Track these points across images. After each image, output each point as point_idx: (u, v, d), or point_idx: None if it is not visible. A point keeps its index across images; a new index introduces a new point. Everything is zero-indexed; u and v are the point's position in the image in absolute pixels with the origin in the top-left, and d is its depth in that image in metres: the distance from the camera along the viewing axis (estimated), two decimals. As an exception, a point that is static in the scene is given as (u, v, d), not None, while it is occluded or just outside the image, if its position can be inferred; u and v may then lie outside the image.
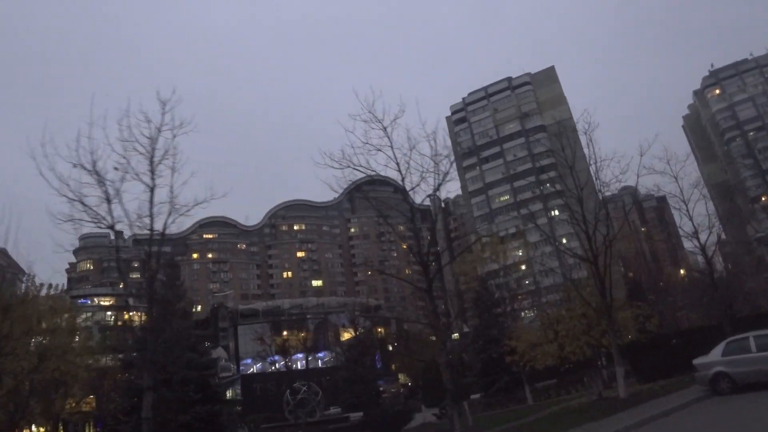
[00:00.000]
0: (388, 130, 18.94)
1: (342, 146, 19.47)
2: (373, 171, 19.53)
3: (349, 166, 18.85)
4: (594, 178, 23.88)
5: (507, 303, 54.42)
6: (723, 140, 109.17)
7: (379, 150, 19.12)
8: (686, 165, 29.07)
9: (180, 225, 15.87)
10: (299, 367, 78.78)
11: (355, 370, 47.42)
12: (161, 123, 14.25)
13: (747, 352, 16.36)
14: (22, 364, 22.51)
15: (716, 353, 17.17)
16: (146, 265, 15.47)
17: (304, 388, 37.66)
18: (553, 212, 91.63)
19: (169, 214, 14.21)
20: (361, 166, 19.18)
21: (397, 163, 19.38)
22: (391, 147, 19.10)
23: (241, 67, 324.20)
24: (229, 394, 75.85)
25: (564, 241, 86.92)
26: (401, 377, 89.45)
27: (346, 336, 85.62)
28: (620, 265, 54.04)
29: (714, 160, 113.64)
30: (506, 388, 35.40)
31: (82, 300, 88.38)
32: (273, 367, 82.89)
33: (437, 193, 20.55)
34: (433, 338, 79.95)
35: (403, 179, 19.52)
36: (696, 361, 17.63)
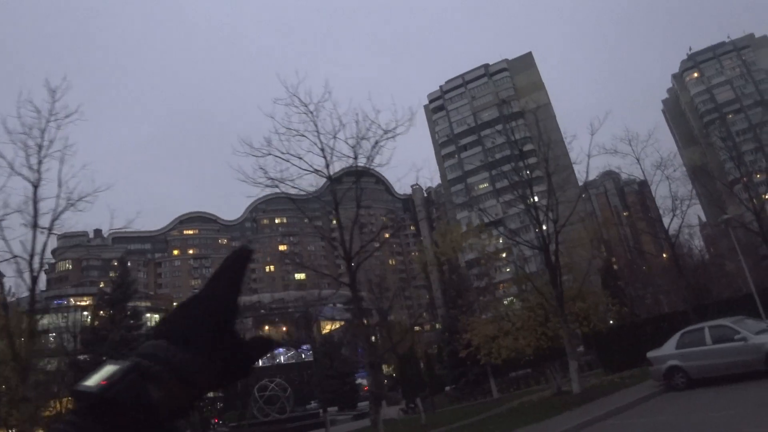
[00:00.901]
0: (314, 114, 17.87)
1: (267, 134, 18.32)
2: (298, 157, 18.49)
3: (270, 154, 17.89)
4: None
5: (484, 293, 53.73)
6: (702, 123, 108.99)
7: (303, 135, 18.08)
8: (650, 145, 28.19)
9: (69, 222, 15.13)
10: (282, 361, 78.21)
11: (330, 365, 46.72)
12: (50, 112, 13.36)
13: (701, 345, 15.41)
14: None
15: (670, 346, 16.27)
16: (30, 264, 14.64)
17: (272, 385, 36.91)
18: (533, 198, 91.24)
19: (64, 208, 13.31)
20: (289, 153, 18.11)
21: (322, 149, 18.40)
22: (317, 132, 18.15)
23: (221, 57, 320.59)
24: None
25: (544, 227, 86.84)
26: (385, 369, 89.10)
27: (327, 329, 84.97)
28: (598, 251, 53.58)
29: (694, 144, 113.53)
30: (476, 380, 34.83)
31: (58, 301, 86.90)
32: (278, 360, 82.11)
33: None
34: (417, 329, 79.36)
35: (327, 166, 18.55)
36: (650, 354, 16.80)
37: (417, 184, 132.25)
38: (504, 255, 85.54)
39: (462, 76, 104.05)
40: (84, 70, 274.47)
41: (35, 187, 13.21)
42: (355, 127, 18.21)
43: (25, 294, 15.62)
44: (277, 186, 17.34)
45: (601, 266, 43.23)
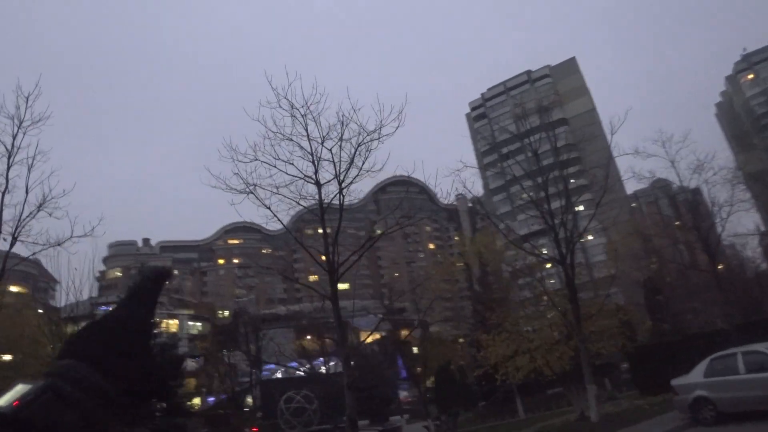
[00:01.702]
0: (307, 118, 16.94)
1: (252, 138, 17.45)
2: (289, 163, 17.58)
3: (256, 159, 17.10)
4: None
5: (525, 305, 52.00)
6: (758, 126, 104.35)
7: (290, 139, 17.14)
8: (686, 147, 26.27)
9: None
10: (323, 371, 77.79)
11: (358, 376, 45.75)
12: (22, 118, 13.05)
13: (734, 373, 13.45)
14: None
15: (697, 373, 14.40)
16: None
17: (299, 397, 36.27)
18: (578, 207, 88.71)
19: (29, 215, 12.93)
20: (279, 159, 17.20)
21: (311, 153, 17.48)
22: (308, 137, 17.31)
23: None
24: (249, 400, 75.23)
25: (590, 237, 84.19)
26: (428, 382, 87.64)
27: (368, 340, 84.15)
28: (645, 262, 51.09)
29: (750, 149, 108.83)
30: (505, 398, 33.41)
31: (103, 307, 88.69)
32: (298, 372, 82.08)
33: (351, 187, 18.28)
34: (459, 340, 77.76)
35: (316, 171, 17.62)
36: (674, 382, 14.93)
37: (461, 194, 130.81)
38: (549, 266, 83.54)
39: (504, 83, 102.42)
40: (137, 76, 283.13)
41: (1, 193, 12.97)
42: (339, 129, 17.15)
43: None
44: (252, 192, 16.42)
45: (646, 279, 41.07)
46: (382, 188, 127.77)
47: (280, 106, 16.21)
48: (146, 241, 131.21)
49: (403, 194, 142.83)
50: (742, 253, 63.08)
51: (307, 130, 16.87)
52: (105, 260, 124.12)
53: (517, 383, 27.17)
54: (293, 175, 16.75)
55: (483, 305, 38.71)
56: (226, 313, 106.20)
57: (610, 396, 27.45)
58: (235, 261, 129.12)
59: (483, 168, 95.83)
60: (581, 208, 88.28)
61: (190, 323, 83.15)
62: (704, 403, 13.93)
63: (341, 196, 17.21)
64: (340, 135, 16.55)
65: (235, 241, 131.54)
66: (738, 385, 13.31)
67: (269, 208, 16.36)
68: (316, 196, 16.64)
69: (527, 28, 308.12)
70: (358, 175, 16.72)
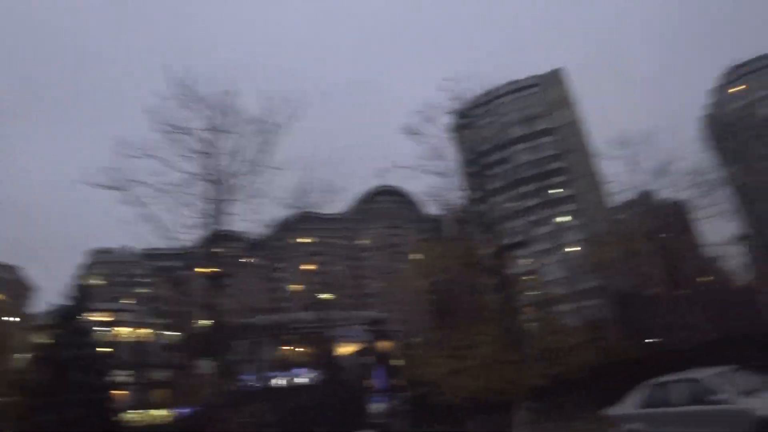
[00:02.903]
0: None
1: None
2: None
3: (147, 155, 15.65)
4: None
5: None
6: (742, 139, 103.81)
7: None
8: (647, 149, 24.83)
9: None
10: (306, 381, 76.28)
11: (330, 389, 44.39)
12: None
13: (668, 404, 11.72)
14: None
15: (632, 403, 12.75)
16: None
17: (252, 410, 34.88)
18: (561, 218, 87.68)
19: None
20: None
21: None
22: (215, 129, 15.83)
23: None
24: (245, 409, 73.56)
25: (573, 249, 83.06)
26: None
27: (346, 350, 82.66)
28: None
29: (736, 161, 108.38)
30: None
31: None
32: (275, 383, 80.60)
33: None
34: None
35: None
36: (610, 412, 13.54)
37: (448, 204, 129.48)
38: (531, 276, 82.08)
39: (489, 91, 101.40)
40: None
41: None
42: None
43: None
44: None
45: (623, 293, 39.73)
46: (368, 198, 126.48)
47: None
48: (128, 248, 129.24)
49: (389, 204, 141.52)
50: (725, 265, 62.05)
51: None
52: (86, 267, 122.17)
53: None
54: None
55: (438, 318, 37.08)
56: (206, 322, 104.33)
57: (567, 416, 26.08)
58: (216, 269, 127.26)
59: (467, 177, 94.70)
60: (569, 218, 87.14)
61: (166, 333, 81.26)
62: (638, 439, 11.55)
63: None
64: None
65: (217, 249, 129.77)
66: (675, 419, 11.50)
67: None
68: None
69: (515, 40, 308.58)
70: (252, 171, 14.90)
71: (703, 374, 11.61)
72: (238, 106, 14.26)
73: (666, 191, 26.47)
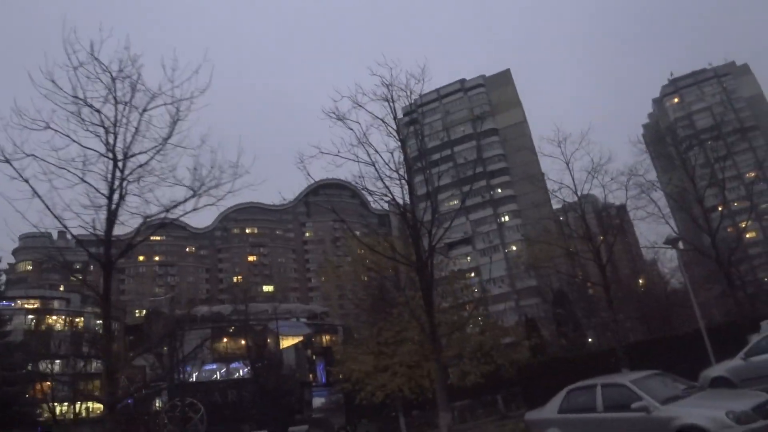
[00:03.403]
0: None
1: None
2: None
3: (45, 127, 14.31)
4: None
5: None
6: (681, 149, 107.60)
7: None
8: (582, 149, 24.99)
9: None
10: (241, 375, 75.06)
11: (264, 383, 43.68)
12: None
13: (591, 410, 11.20)
14: None
15: (553, 407, 12.28)
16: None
17: (181, 405, 33.98)
18: (503, 218, 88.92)
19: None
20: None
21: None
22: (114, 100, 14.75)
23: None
24: (157, 404, 71.70)
25: (513, 248, 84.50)
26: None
27: (285, 344, 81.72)
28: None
29: (673, 169, 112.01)
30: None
31: (5, 303, 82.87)
32: (215, 376, 79.20)
33: None
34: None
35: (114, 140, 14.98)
36: (528, 416, 13.39)
37: (394, 200, 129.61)
38: (473, 275, 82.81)
39: (437, 90, 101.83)
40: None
41: None
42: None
43: None
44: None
45: (556, 292, 40.22)
46: (314, 190, 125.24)
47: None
48: (62, 233, 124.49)
49: (335, 198, 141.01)
50: (661, 268, 63.96)
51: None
52: (15, 252, 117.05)
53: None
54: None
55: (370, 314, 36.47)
56: (144, 312, 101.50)
57: (500, 415, 26.39)
58: (157, 258, 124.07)
59: (411, 174, 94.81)
60: (507, 218, 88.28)
61: (98, 322, 78.34)
62: (557, 446, 11.51)
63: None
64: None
65: (157, 238, 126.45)
66: (595, 425, 11.18)
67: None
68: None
69: (465, 46, 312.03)
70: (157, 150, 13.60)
71: (625, 379, 11.24)
72: (146, 81, 13.09)
73: (603, 191, 26.38)
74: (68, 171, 12.42)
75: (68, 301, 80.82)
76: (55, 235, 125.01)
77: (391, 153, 17.38)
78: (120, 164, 12.88)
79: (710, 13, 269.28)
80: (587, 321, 39.33)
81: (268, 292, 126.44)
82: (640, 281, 62.94)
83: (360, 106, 16.54)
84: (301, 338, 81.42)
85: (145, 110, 13.12)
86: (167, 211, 13.08)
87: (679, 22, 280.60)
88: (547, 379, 22.79)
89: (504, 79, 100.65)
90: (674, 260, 72.23)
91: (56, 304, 77.61)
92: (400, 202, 18.17)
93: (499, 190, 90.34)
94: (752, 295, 55.52)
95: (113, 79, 13.06)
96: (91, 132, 12.75)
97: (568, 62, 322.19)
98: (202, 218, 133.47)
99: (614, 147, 27.84)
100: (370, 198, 18.61)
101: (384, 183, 17.50)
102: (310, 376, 76.81)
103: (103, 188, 12.76)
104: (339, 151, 16.61)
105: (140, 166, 13.13)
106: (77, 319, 77.45)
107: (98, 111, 12.82)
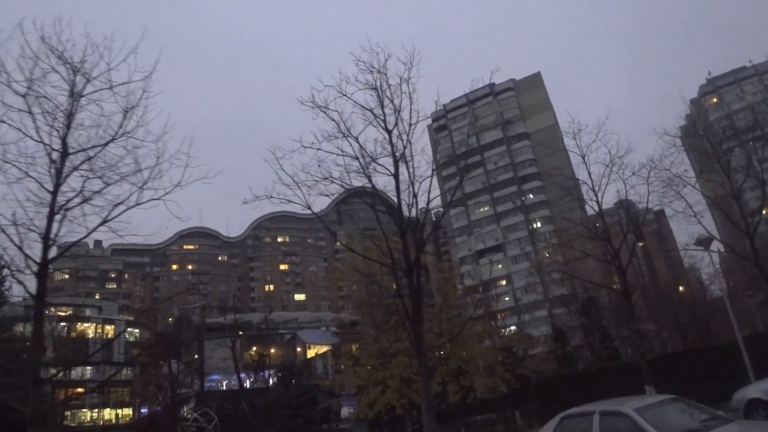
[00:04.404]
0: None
1: None
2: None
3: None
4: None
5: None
6: (720, 150, 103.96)
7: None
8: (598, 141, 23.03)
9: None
10: (270, 384, 74.76)
11: (284, 393, 42.82)
12: None
13: None
14: None
15: None
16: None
17: (195, 414, 33.35)
18: (534, 224, 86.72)
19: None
20: None
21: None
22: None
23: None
24: (184, 411, 71.82)
25: (547, 254, 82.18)
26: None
27: (313, 352, 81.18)
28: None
29: (713, 171, 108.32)
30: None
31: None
32: (246, 384, 79.11)
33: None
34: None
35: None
36: None
37: (425, 207, 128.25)
38: (503, 282, 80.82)
39: (467, 95, 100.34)
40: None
41: None
42: None
43: None
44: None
45: (583, 300, 38.21)
46: (344, 199, 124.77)
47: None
48: (98, 243, 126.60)
49: (364, 206, 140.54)
50: (699, 274, 61.19)
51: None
52: (52, 261, 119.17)
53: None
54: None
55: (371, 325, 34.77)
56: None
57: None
58: (190, 267, 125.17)
59: (441, 181, 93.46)
60: (539, 224, 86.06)
61: (130, 330, 79.12)
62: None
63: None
64: None
65: (191, 247, 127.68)
66: None
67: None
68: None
69: (499, 44, 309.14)
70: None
71: (629, 406, 9.34)
72: (104, 69, 12.25)
73: (624, 186, 23.97)
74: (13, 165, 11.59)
75: (100, 309, 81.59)
76: (91, 245, 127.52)
77: (381, 145, 16.00)
78: (67, 158, 12.01)
79: (748, 11, 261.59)
80: (617, 331, 37.28)
81: (299, 301, 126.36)
82: (680, 288, 60.30)
83: (344, 95, 15.35)
84: (329, 347, 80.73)
85: (80, 95, 12.18)
86: (114, 206, 12.08)
87: (717, 22, 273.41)
88: (566, 393, 21.42)
89: (534, 82, 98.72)
90: (712, 265, 69.37)
91: (89, 311, 78.38)
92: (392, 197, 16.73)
93: (531, 196, 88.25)
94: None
95: (74, 70, 12.22)
96: (42, 123, 11.91)
97: (605, 66, 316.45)
98: (234, 227, 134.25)
99: (652, 152, 25.77)
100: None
101: (369, 179, 16.10)
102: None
103: (48, 184, 11.81)
104: (317, 145, 15.23)
105: (89, 159, 12.23)
106: (109, 327, 78.07)
107: (50, 100, 11.95)
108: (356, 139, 15.80)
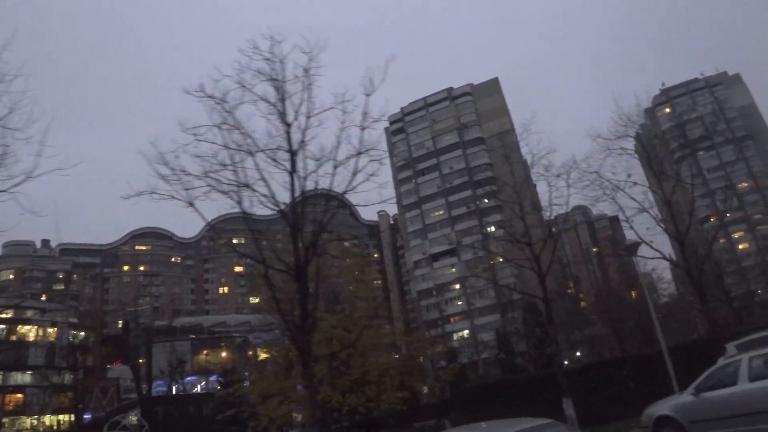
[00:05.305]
0: None
1: None
2: None
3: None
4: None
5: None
6: (673, 159, 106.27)
7: None
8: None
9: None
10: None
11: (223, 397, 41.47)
12: None
13: None
14: None
15: None
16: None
17: (123, 422, 32.06)
18: (489, 228, 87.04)
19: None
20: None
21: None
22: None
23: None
24: (132, 418, 69.68)
25: (500, 259, 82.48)
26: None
27: (263, 356, 79.38)
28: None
29: (664, 180, 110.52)
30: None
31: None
32: (195, 390, 77.46)
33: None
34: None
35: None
36: None
37: (383, 211, 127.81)
38: (457, 286, 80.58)
39: (424, 98, 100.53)
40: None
41: None
42: None
43: None
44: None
45: (525, 306, 38.10)
46: (302, 201, 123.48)
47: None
48: (45, 242, 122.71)
49: (323, 208, 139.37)
50: (658, 282, 62.26)
51: None
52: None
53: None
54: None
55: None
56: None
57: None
58: (142, 268, 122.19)
59: (397, 184, 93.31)
60: (492, 228, 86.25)
61: (74, 332, 76.49)
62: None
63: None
64: None
65: (143, 247, 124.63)
66: None
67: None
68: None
69: (461, 54, 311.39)
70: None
71: (565, 428, 8.67)
72: None
73: (548, 189, 23.64)
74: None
75: (43, 311, 78.63)
76: (38, 244, 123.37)
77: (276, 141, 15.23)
78: None
79: (702, 24, 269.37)
80: (565, 337, 37.38)
81: (254, 304, 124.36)
82: (632, 294, 61.14)
83: (242, 85, 14.61)
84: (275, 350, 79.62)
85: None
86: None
87: (671, 35, 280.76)
88: (473, 406, 20.99)
89: (492, 87, 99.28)
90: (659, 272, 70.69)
91: (31, 313, 75.42)
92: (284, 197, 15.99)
93: (486, 200, 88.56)
94: (740, 308, 53.67)
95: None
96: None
97: (577, 75, 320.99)
98: (192, 228, 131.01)
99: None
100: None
101: (262, 175, 15.26)
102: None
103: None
104: (196, 134, 14.27)
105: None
106: (52, 330, 75.25)
107: None
108: (250, 136, 15.06)
